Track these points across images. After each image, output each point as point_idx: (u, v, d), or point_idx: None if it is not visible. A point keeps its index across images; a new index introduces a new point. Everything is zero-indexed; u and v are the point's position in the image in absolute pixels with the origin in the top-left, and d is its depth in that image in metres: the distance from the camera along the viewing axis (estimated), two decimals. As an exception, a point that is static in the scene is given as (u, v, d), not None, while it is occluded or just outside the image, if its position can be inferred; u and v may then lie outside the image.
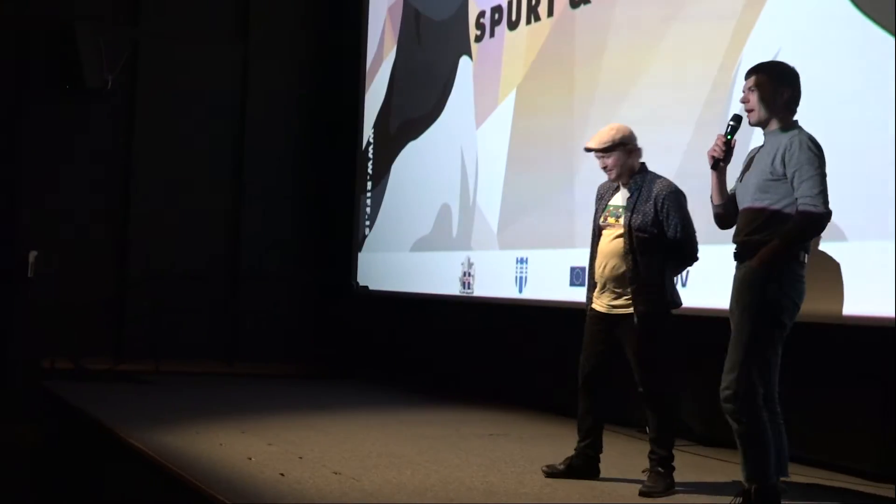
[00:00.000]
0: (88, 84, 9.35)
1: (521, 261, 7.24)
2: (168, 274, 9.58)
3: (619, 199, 4.80)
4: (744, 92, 4.08)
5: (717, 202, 4.24)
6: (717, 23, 5.76)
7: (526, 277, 7.19)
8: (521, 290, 7.22)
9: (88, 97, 9.53)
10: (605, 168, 4.80)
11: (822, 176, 3.83)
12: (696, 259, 4.81)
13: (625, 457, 5.36)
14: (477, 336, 8.11)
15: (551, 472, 4.82)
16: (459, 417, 6.86)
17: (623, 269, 4.68)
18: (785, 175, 3.85)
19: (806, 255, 3.88)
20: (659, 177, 4.79)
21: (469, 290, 7.87)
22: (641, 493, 4.55)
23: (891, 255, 4.64)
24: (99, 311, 9.61)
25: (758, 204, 3.93)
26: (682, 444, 5.92)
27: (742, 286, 3.93)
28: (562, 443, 5.28)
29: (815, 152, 3.85)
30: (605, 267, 4.76)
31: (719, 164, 4.15)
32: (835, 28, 5.04)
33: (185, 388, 8.18)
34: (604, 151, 4.77)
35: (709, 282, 5.61)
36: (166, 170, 9.89)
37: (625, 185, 4.80)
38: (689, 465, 5.43)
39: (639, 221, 4.66)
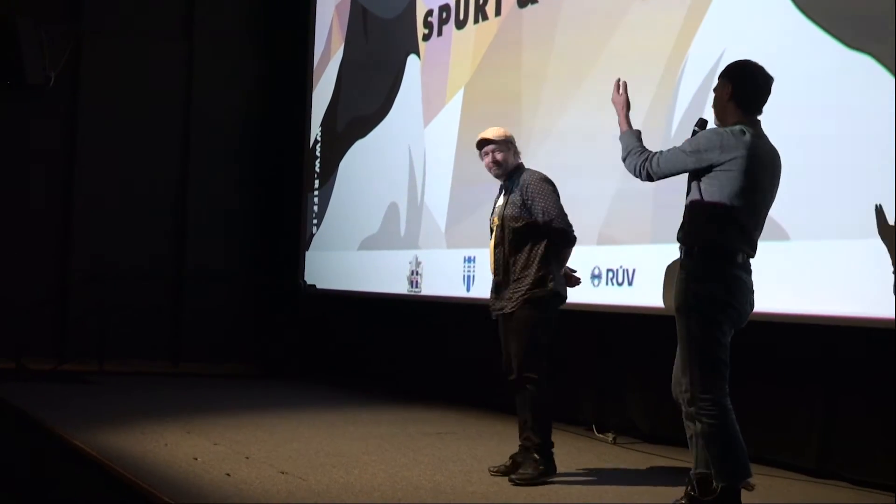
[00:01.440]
0: (30, 80, 9.22)
1: (469, 260, 7.27)
2: (112, 273, 9.48)
3: (500, 199, 4.97)
4: None
5: None
6: (664, 22, 5.82)
7: (474, 276, 7.22)
8: (468, 289, 7.24)
9: (29, 94, 9.40)
10: (494, 162, 4.92)
11: (683, 161, 3.92)
12: (572, 241, 4.85)
13: (570, 455, 5.40)
14: (425, 335, 8.13)
15: (498, 471, 4.85)
16: (407, 416, 6.87)
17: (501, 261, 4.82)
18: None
19: (743, 256, 3.84)
20: (530, 171, 4.95)
21: (417, 289, 7.88)
22: (511, 482, 4.65)
23: (836, 254, 4.73)
24: (42, 311, 9.50)
25: (687, 199, 3.98)
26: (627, 440, 6.00)
27: (676, 284, 3.97)
28: (509, 440, 5.31)
29: (702, 145, 3.86)
30: (491, 264, 4.92)
31: None
32: (777, 28, 5.12)
33: (130, 388, 8.11)
34: (499, 144, 4.91)
35: (655, 281, 5.67)
36: (110, 168, 9.79)
37: (504, 184, 4.96)
38: (634, 461, 5.49)
39: (510, 212, 4.82)
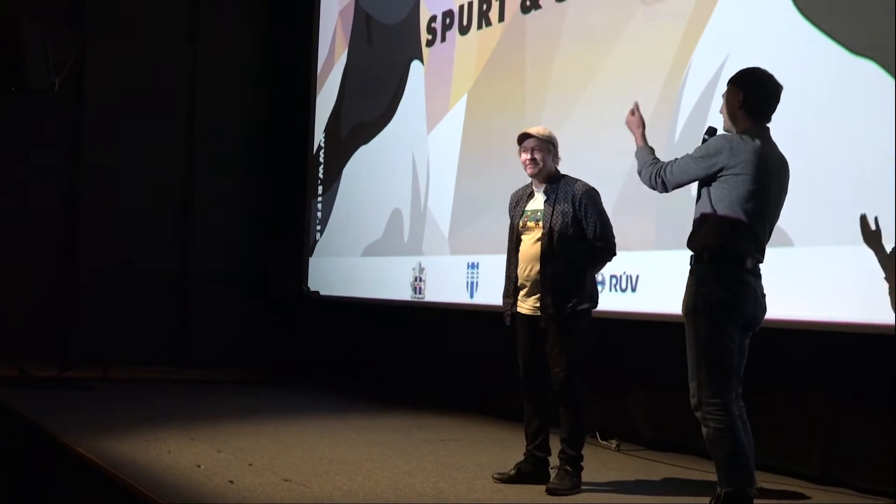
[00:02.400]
0: (34, 85, 9.23)
1: (473, 266, 7.27)
2: (116, 278, 9.49)
3: (537, 203, 4.90)
4: None
5: None
6: (667, 28, 5.83)
7: (477, 282, 7.22)
8: (472, 296, 7.24)
9: (34, 98, 9.40)
10: (531, 159, 4.87)
11: (694, 167, 3.97)
12: (614, 254, 4.88)
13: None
14: (428, 341, 8.12)
15: (502, 479, 4.86)
16: (410, 423, 6.87)
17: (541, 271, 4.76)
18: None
19: (752, 261, 3.87)
20: (574, 179, 4.91)
21: (420, 296, 7.88)
22: (548, 491, 4.66)
23: (840, 260, 4.72)
24: (45, 317, 9.51)
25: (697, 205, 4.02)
26: (630, 448, 5.99)
27: (685, 289, 3.99)
28: (512, 447, 5.31)
29: (711, 150, 3.91)
30: (529, 270, 4.84)
31: None
32: (781, 34, 5.13)
33: (134, 394, 8.11)
34: (541, 142, 4.85)
35: (658, 287, 5.68)
36: (113, 173, 9.80)
37: (540, 190, 4.89)
38: (638, 468, 5.49)
39: (559, 223, 4.77)
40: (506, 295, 4.98)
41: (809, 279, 4.86)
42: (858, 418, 4.89)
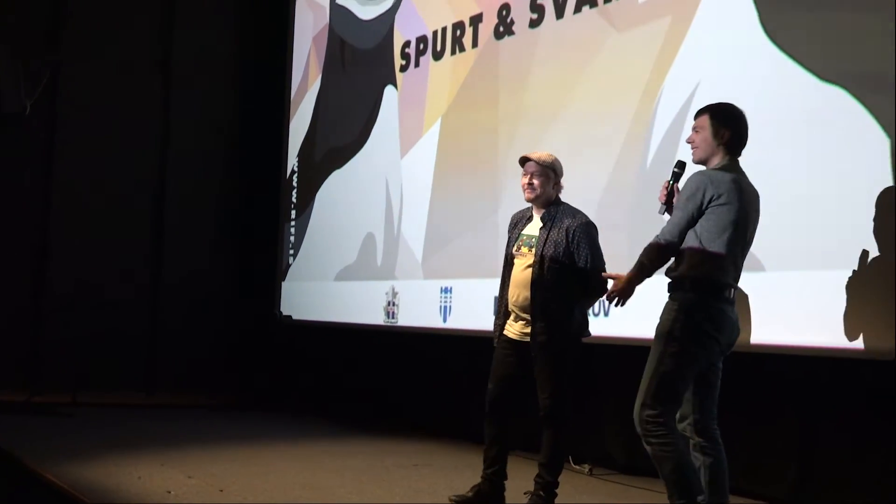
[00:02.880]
0: (5, 109, 9.17)
1: (446, 290, 7.27)
2: (86, 303, 9.41)
3: (533, 228, 4.88)
4: (692, 132, 4.17)
5: None
6: (640, 55, 5.88)
7: (450, 307, 7.22)
8: (445, 320, 7.24)
9: (5, 123, 9.35)
10: (529, 184, 4.84)
11: (683, 211, 3.97)
12: (605, 291, 4.86)
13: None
14: (401, 366, 8.10)
15: (459, 501, 4.84)
16: (383, 448, 6.84)
17: (531, 298, 4.75)
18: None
19: (729, 290, 3.97)
20: (574, 210, 4.88)
21: (393, 320, 7.87)
22: None
23: (810, 284, 4.76)
24: (13, 341, 9.41)
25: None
26: (603, 472, 5.99)
27: (662, 314, 4.05)
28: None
29: (693, 188, 3.95)
30: (517, 297, 4.82)
31: (665, 209, 4.27)
32: (751, 60, 5.18)
33: (103, 420, 8.03)
34: (541, 168, 4.83)
35: (629, 312, 5.67)
36: (85, 198, 9.73)
37: (539, 215, 4.87)
38: (611, 493, 5.49)
39: (551, 252, 4.74)
40: (497, 317, 4.98)
41: (779, 303, 4.89)
42: (830, 441, 4.91)
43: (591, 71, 6.24)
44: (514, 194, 6.15)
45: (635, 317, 5.62)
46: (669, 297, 4.04)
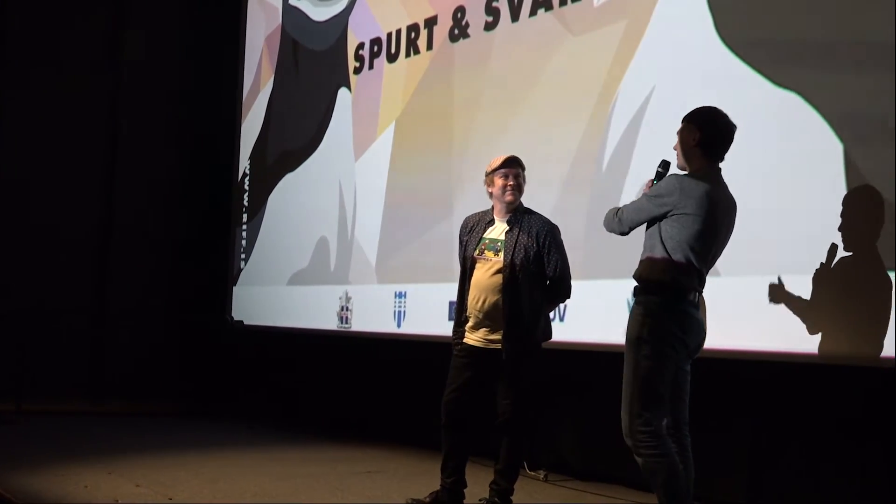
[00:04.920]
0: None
1: (400, 295, 7.25)
2: (31, 309, 9.27)
3: (497, 232, 4.85)
4: None
5: None
6: (595, 58, 5.90)
7: (404, 312, 7.20)
8: (399, 325, 7.22)
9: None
10: (517, 187, 4.82)
11: (648, 206, 4.05)
12: (568, 296, 4.90)
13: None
14: (355, 371, 8.07)
15: None
16: (336, 455, 6.81)
17: (501, 303, 4.72)
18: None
19: (694, 294, 4.00)
20: (537, 213, 4.89)
21: (347, 325, 7.84)
22: None
23: (758, 289, 4.79)
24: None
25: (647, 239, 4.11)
26: (558, 478, 6.00)
27: (629, 319, 4.07)
28: (439, 479, 5.27)
29: (664, 190, 4.00)
30: (482, 301, 4.78)
31: None
32: (706, 66, 5.22)
33: (49, 428, 7.92)
34: (523, 172, 4.87)
35: (586, 317, 5.72)
36: (31, 200, 9.60)
37: (502, 219, 4.84)
38: (566, 498, 5.50)
39: (521, 256, 4.72)
40: (457, 324, 4.92)
41: (731, 309, 4.92)
42: (782, 447, 4.95)
43: (546, 74, 6.26)
44: (469, 198, 6.17)
45: (589, 322, 5.68)
46: (635, 301, 4.07)
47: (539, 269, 4.74)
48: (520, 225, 4.80)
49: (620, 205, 4.37)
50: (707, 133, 4.07)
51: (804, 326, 4.58)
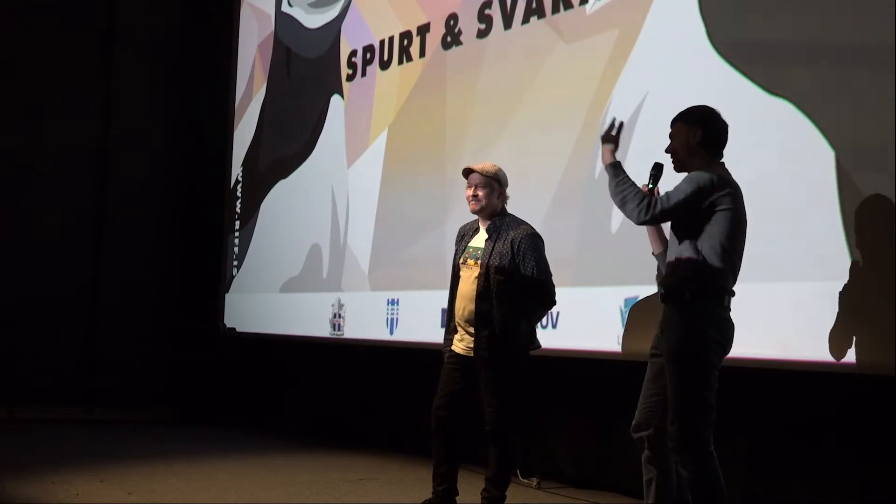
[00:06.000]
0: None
1: (393, 302, 7.24)
2: (22, 315, 9.24)
3: (479, 240, 4.87)
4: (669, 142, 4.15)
5: (655, 251, 4.31)
6: (587, 65, 5.89)
7: (397, 319, 7.19)
8: (392, 332, 7.21)
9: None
10: (474, 196, 4.83)
11: (687, 202, 3.87)
12: (553, 303, 4.88)
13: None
14: (348, 378, 8.06)
15: None
16: (329, 462, 6.79)
17: (475, 311, 4.73)
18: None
19: (728, 297, 3.93)
20: (519, 221, 4.88)
21: (339, 332, 7.82)
22: None
23: (755, 296, 4.79)
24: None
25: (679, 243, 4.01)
26: (551, 485, 5.99)
27: (665, 328, 3.97)
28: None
29: (702, 182, 3.88)
30: (463, 310, 4.81)
31: None
32: (698, 74, 5.22)
33: (41, 435, 7.89)
34: (485, 179, 4.81)
35: (578, 323, 5.70)
36: (21, 202, 9.54)
37: (484, 227, 4.87)
38: (560, 507, 5.49)
39: (496, 263, 4.73)
40: (447, 331, 4.95)
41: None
42: (776, 454, 4.94)
43: (539, 82, 6.26)
44: (462, 205, 6.13)
45: (581, 328, 5.67)
46: (669, 308, 3.97)
47: (517, 275, 4.73)
48: (498, 232, 4.81)
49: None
50: (709, 130, 4.03)
51: (795, 333, 4.57)
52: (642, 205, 3.97)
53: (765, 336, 4.71)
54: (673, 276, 3.98)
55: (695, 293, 3.89)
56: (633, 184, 4.06)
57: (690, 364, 3.85)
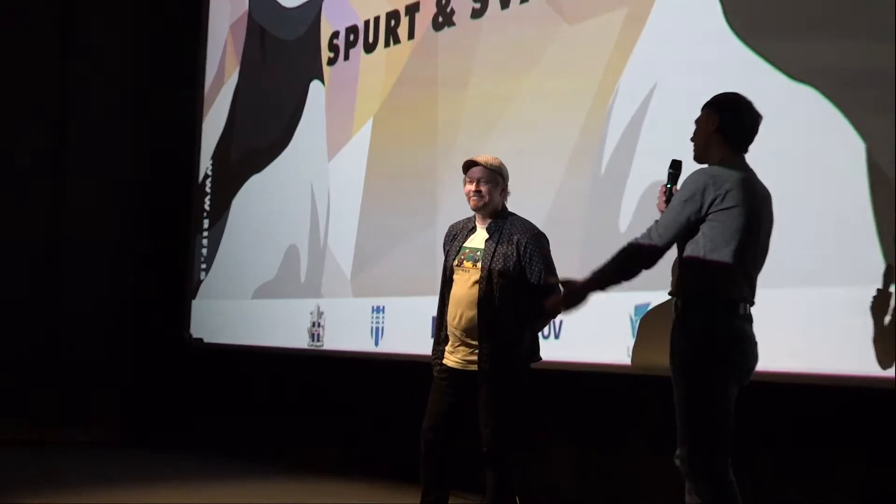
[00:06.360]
0: None
1: (378, 310, 7.26)
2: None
3: (477, 241, 4.84)
4: None
5: None
6: (592, 50, 5.94)
7: (383, 328, 7.21)
8: (377, 343, 7.23)
9: None
10: (476, 191, 4.79)
11: (679, 213, 3.87)
12: (559, 311, 4.88)
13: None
14: (328, 394, 8.06)
15: None
16: (307, 488, 6.81)
17: (476, 319, 4.72)
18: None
19: (745, 306, 3.88)
20: (522, 219, 4.87)
21: (319, 343, 7.84)
22: None
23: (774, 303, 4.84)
24: None
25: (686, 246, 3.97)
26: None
27: (671, 339, 3.95)
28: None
29: (693, 188, 3.85)
30: (460, 317, 4.77)
31: None
32: (715, 59, 5.25)
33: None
34: (489, 173, 4.81)
35: (583, 333, 5.72)
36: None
37: (483, 226, 4.86)
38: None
39: (500, 266, 4.71)
40: (436, 342, 4.91)
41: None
42: (767, 469, 4.99)
43: (539, 67, 6.29)
44: (454, 203, 6.17)
45: (587, 339, 5.68)
46: (678, 320, 3.95)
47: (521, 281, 4.72)
48: (500, 232, 4.79)
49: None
50: (727, 117, 4.00)
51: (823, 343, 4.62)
52: (634, 257, 3.96)
53: (790, 347, 4.75)
54: (680, 283, 3.97)
55: (704, 302, 3.87)
56: (606, 267, 4.02)
57: (695, 380, 3.81)
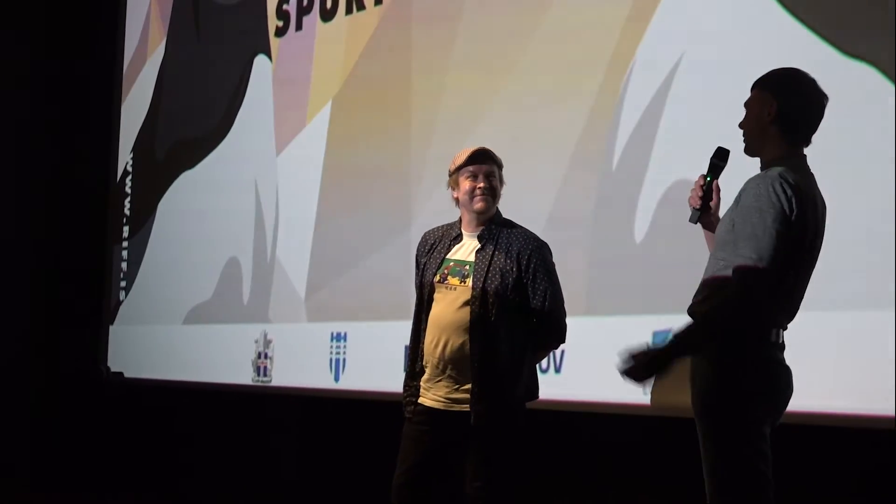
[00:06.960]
0: None
1: (338, 337, 7.24)
2: None
3: (465, 252, 4.77)
4: None
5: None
6: (603, 14, 5.93)
7: (344, 360, 7.20)
8: (337, 378, 7.22)
9: None
10: (489, 188, 4.71)
11: (771, 231, 3.68)
12: (562, 340, 4.84)
13: None
14: (276, 439, 8.05)
15: None
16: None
17: (468, 348, 4.67)
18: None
19: (779, 332, 3.81)
20: (519, 226, 4.80)
21: (266, 378, 7.82)
22: None
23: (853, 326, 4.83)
24: None
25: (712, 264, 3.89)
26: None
27: (691, 377, 3.89)
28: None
29: (774, 198, 3.68)
30: (443, 345, 4.69)
31: (698, 216, 4.06)
32: (754, 29, 5.25)
33: None
34: (499, 170, 4.77)
35: (589, 366, 5.70)
36: None
37: (471, 233, 4.80)
38: None
39: (496, 283, 4.65)
40: (409, 376, 4.84)
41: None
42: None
43: (537, 36, 6.28)
44: (433, 205, 6.15)
45: (593, 372, 5.65)
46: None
47: (521, 302, 4.67)
48: (496, 242, 4.73)
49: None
50: (787, 103, 3.85)
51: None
52: (730, 299, 3.76)
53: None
54: (700, 304, 3.89)
55: (736, 331, 3.77)
56: (683, 334, 3.85)
57: (723, 421, 3.76)
